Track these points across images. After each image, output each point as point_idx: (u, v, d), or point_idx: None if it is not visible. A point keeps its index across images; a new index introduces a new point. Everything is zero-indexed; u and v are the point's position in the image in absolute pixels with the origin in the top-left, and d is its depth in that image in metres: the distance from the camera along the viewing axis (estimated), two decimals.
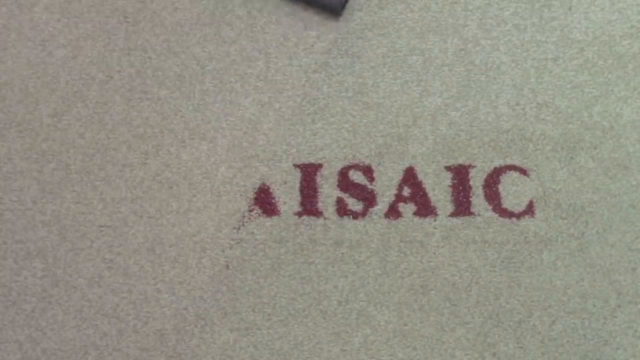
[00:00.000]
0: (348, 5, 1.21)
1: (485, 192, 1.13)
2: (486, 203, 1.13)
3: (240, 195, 1.13)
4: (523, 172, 1.14)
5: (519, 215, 1.12)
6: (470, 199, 1.13)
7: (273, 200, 1.13)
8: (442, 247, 1.10)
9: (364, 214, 1.12)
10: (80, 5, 1.23)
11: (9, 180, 1.14)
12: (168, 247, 1.11)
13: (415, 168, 1.14)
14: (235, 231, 1.11)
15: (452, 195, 1.13)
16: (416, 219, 1.11)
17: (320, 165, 1.14)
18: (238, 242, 1.11)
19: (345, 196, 1.13)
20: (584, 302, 1.07)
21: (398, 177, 1.14)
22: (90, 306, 1.08)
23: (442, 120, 1.17)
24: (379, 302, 1.07)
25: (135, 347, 1.06)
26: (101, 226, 1.12)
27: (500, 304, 1.07)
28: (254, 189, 1.13)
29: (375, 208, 1.13)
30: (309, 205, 1.13)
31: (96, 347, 1.06)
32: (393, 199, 1.13)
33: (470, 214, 1.12)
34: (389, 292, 1.07)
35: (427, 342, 1.06)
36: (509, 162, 1.15)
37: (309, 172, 1.15)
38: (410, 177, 1.14)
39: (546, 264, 1.09)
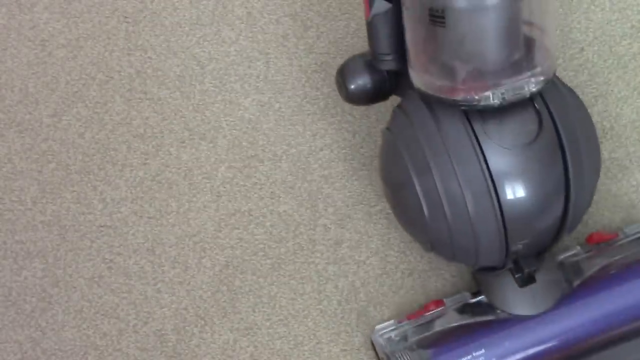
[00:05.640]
0: (345, 6, 1.21)
1: None
2: None
3: (241, 195, 1.13)
4: None
5: None
6: None
7: None
8: None
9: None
10: (80, 5, 1.23)
11: (9, 180, 1.14)
12: (168, 247, 1.11)
13: None
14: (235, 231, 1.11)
15: None
16: None
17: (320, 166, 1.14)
18: (238, 242, 1.11)
19: None
20: None
21: None
22: (90, 306, 1.08)
23: None
24: (379, 302, 1.07)
25: (135, 347, 1.06)
26: (101, 226, 1.12)
27: None
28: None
29: (376, 208, 1.13)
30: None
31: (96, 347, 1.06)
32: None
33: None
34: (389, 292, 1.07)
35: None
36: None
37: None
38: None
39: None
